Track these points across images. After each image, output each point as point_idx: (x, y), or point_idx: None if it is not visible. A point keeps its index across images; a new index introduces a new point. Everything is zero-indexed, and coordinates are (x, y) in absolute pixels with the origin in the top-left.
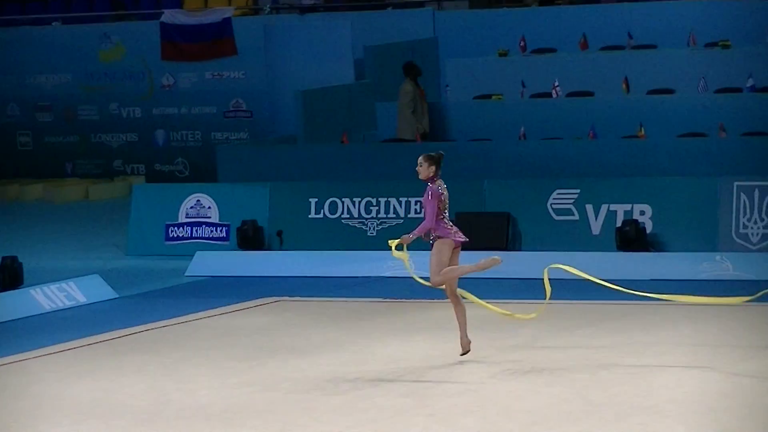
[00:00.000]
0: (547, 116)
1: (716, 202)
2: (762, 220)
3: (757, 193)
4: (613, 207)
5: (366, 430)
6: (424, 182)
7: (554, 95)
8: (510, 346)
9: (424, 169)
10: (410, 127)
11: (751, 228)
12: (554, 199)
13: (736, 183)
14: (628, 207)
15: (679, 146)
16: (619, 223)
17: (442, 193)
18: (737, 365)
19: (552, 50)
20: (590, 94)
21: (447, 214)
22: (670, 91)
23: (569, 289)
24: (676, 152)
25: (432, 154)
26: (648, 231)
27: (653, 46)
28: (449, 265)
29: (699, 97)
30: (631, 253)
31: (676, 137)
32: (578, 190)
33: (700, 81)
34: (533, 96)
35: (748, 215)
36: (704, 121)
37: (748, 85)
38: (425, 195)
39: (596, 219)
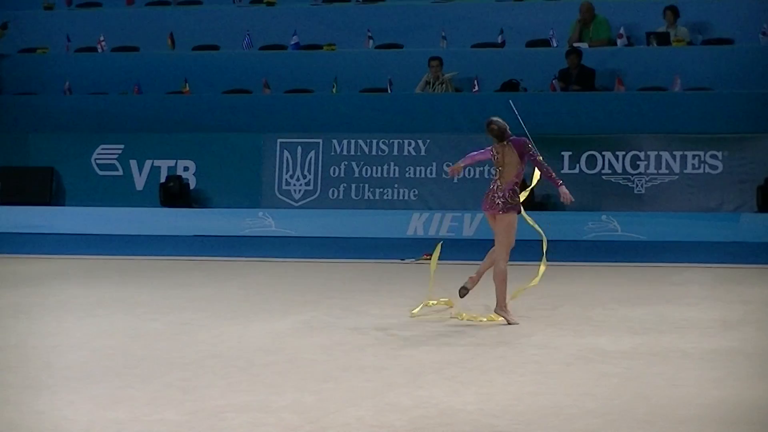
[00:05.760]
0: (92, 70)
1: (260, 158)
2: (304, 177)
3: (299, 150)
4: (157, 163)
5: None
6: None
7: (99, 49)
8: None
9: (495, 132)
10: None
11: (294, 185)
12: (98, 154)
13: (279, 140)
14: (172, 163)
15: (224, 102)
16: (163, 179)
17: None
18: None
19: (97, 4)
20: (135, 49)
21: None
22: (215, 47)
23: None
24: (221, 108)
25: (491, 122)
26: (192, 187)
27: (198, 2)
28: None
29: (244, 53)
30: (174, 209)
31: (221, 93)
32: (122, 146)
33: (245, 37)
34: (78, 50)
35: (291, 172)
36: (249, 77)
37: (292, 42)
38: (522, 148)
39: (140, 174)
